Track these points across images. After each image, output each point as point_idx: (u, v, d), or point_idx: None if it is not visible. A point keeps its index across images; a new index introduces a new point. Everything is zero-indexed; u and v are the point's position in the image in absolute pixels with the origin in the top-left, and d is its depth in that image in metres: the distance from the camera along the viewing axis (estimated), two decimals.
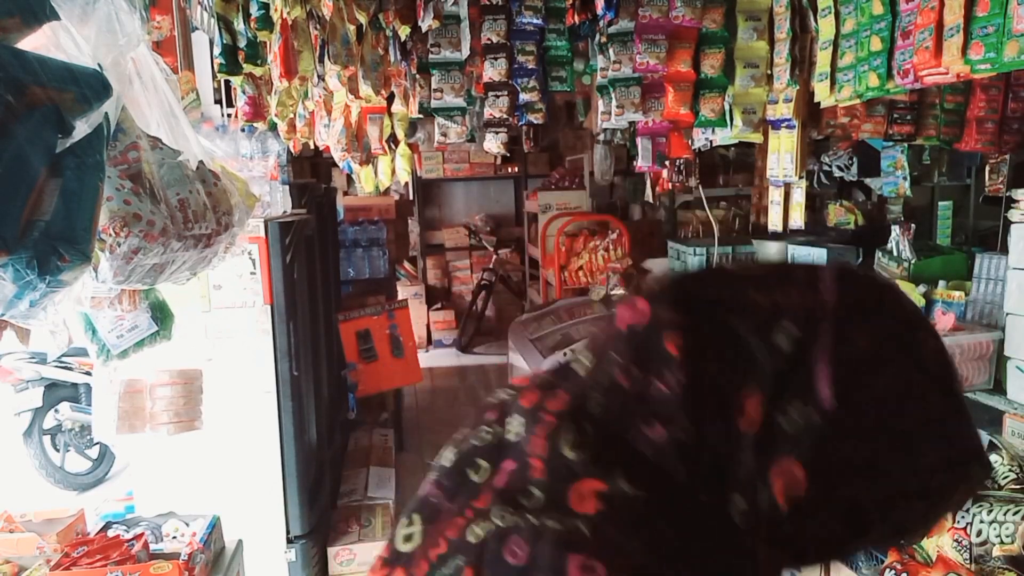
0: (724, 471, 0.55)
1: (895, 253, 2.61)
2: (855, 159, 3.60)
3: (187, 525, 2.15)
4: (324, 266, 3.93)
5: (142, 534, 2.02)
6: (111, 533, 2.08)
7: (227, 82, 3.35)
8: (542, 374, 0.68)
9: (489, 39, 3.25)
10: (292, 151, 4.02)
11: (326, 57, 2.97)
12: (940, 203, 3.31)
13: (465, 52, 3.33)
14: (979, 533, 1.71)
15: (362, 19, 2.96)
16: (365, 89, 3.33)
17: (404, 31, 3.23)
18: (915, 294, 2.27)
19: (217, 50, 2.56)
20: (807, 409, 0.54)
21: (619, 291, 4.96)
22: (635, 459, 0.56)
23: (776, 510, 0.55)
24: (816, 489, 0.54)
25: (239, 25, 2.52)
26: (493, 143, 3.60)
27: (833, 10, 2.48)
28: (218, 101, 3.60)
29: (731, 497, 0.55)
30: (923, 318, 0.62)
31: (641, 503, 0.54)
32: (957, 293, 2.22)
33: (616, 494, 0.54)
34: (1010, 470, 1.92)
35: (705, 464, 0.55)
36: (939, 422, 0.56)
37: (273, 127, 3.59)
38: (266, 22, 2.48)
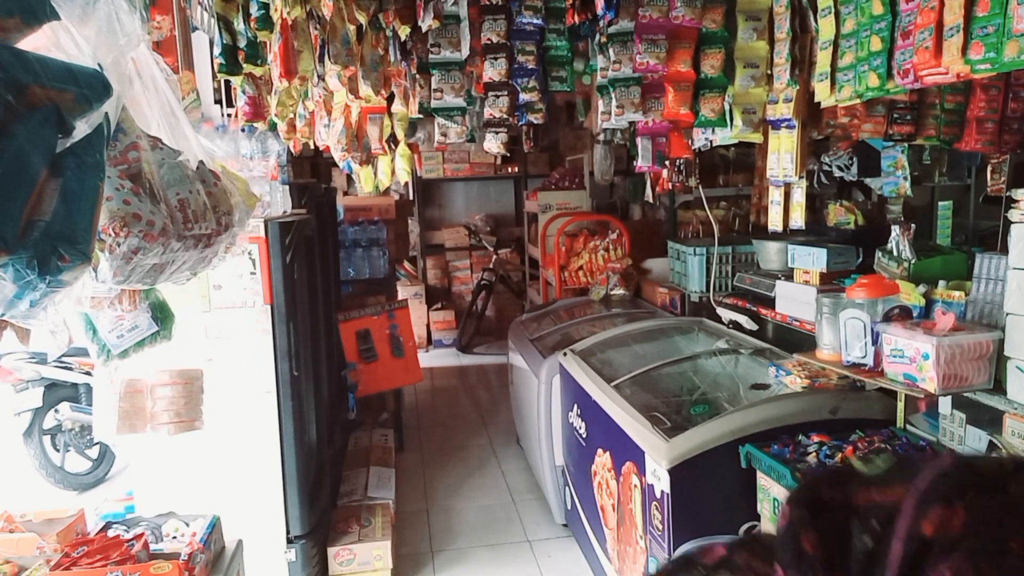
0: None
1: (895, 253, 2.61)
2: (855, 159, 3.60)
3: (187, 525, 2.15)
4: (324, 266, 3.93)
5: (142, 534, 2.02)
6: (111, 533, 2.08)
7: (227, 82, 3.35)
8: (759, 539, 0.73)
9: (489, 39, 3.25)
10: (292, 151, 4.02)
11: (326, 57, 2.97)
12: (940, 203, 3.31)
13: (465, 52, 3.34)
14: None
15: (362, 19, 2.96)
16: (365, 89, 3.33)
17: (404, 31, 3.24)
18: (915, 294, 2.27)
19: (217, 50, 2.56)
20: None
21: (619, 291, 4.96)
22: None
23: None
24: None
25: (239, 25, 2.52)
26: (493, 143, 3.60)
27: (833, 10, 2.48)
28: (218, 101, 3.61)
29: None
30: None
31: None
32: (957, 293, 2.22)
33: None
34: None
35: None
36: None
37: (273, 127, 3.59)
38: (266, 22, 2.48)
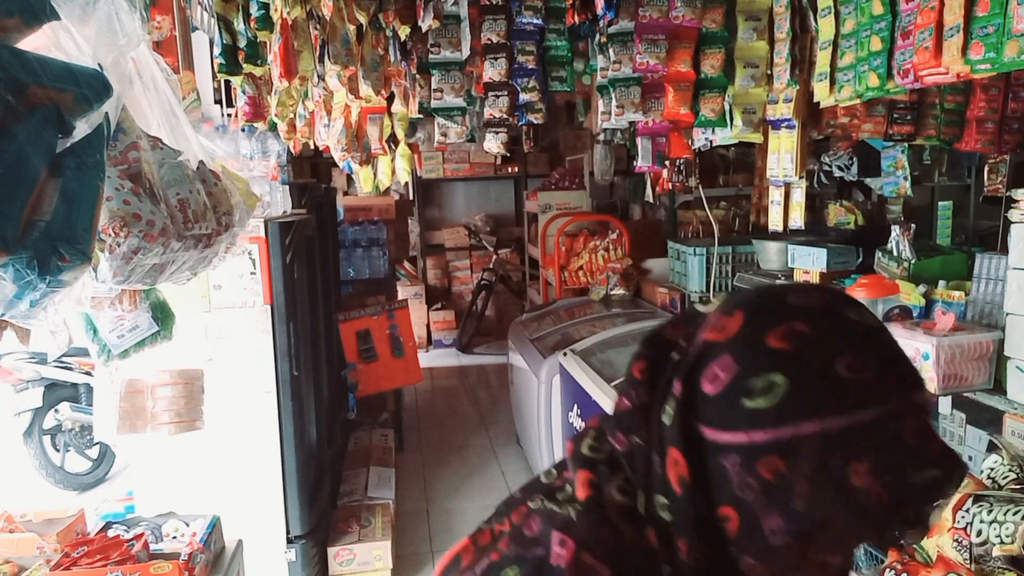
0: (650, 475, 0.67)
1: (895, 253, 2.61)
2: (855, 159, 3.59)
3: (187, 525, 2.15)
4: (324, 266, 3.93)
5: (142, 534, 2.02)
6: (111, 533, 2.08)
7: (227, 82, 3.35)
8: None
9: (489, 39, 3.25)
10: (292, 151, 4.02)
11: (326, 57, 2.97)
12: (940, 203, 3.31)
13: (465, 52, 3.34)
14: (979, 533, 1.71)
15: (362, 19, 2.96)
16: (365, 89, 3.33)
17: (404, 31, 3.24)
18: (915, 294, 2.27)
19: (217, 50, 2.56)
20: (671, 401, 0.66)
21: (619, 291, 4.96)
22: (617, 463, 0.71)
23: (676, 497, 0.65)
24: (694, 466, 0.64)
25: (239, 25, 2.52)
26: (493, 143, 3.60)
27: (833, 10, 2.48)
28: (218, 101, 3.60)
29: (655, 498, 0.66)
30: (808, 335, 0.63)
31: (612, 498, 0.68)
32: (957, 293, 2.22)
33: (601, 485, 0.68)
34: (1010, 470, 1.92)
35: (640, 470, 0.68)
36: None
37: (273, 127, 3.59)
38: (266, 22, 2.48)
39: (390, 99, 4.05)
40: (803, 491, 0.60)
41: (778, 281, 3.21)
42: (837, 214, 3.66)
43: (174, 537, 2.12)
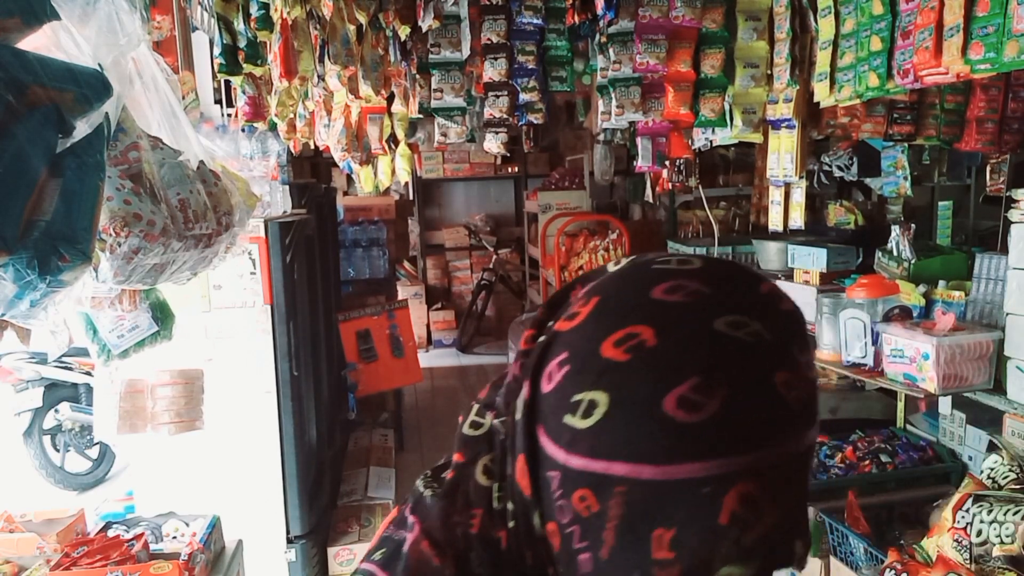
0: (504, 474, 0.59)
1: (895, 253, 2.61)
2: (855, 159, 3.59)
3: (187, 525, 2.15)
4: (324, 266, 3.93)
5: (142, 534, 2.02)
6: (111, 533, 2.08)
7: (227, 82, 3.35)
8: None
9: (489, 39, 3.25)
10: (292, 151, 4.02)
11: (326, 57, 2.97)
12: (940, 203, 3.31)
13: (465, 52, 3.34)
14: (979, 533, 1.71)
15: (362, 19, 2.96)
16: (365, 89, 3.33)
17: (404, 31, 3.24)
18: (915, 294, 2.27)
19: (217, 50, 2.56)
20: (522, 396, 0.57)
21: None
22: (489, 445, 0.62)
23: (523, 505, 0.57)
24: (535, 476, 0.56)
25: (239, 25, 2.51)
26: (493, 143, 3.60)
27: (833, 10, 2.48)
28: (218, 101, 3.60)
29: (506, 501, 0.59)
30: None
31: (476, 481, 0.60)
32: (957, 293, 2.22)
33: (467, 466, 0.61)
34: (1010, 470, 1.92)
35: (499, 460, 0.60)
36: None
37: (273, 127, 3.59)
38: (266, 22, 2.48)
39: (390, 99, 4.05)
40: (608, 540, 0.50)
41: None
42: (837, 214, 3.66)
43: (174, 537, 2.12)
